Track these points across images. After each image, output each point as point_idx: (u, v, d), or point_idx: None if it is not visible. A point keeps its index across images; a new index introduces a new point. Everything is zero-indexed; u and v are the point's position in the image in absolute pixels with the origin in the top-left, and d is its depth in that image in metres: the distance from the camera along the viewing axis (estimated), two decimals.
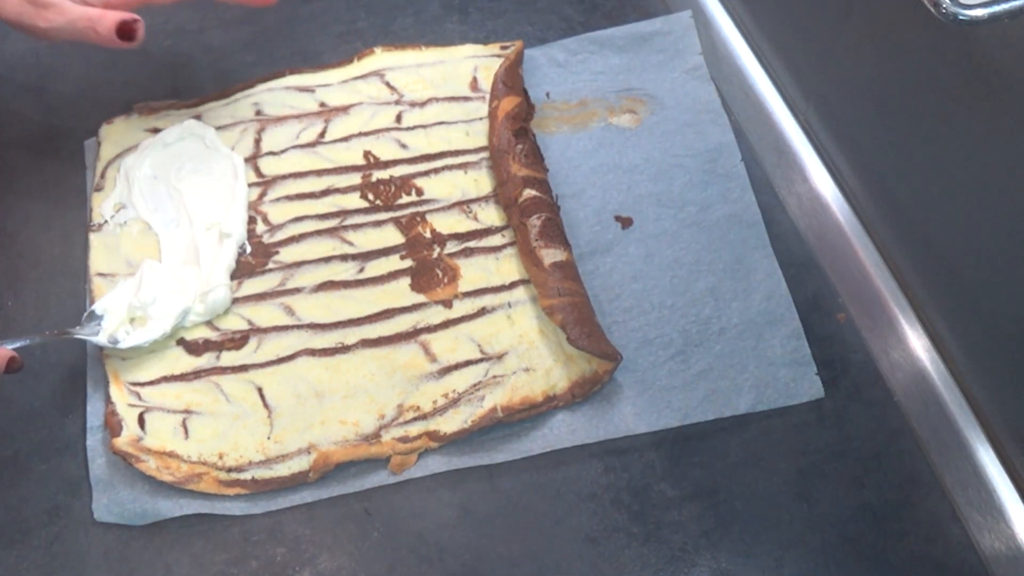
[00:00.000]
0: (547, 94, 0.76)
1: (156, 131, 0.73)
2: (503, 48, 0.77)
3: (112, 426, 0.60)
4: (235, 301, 0.66)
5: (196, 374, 0.63)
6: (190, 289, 0.65)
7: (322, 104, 0.74)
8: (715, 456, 0.61)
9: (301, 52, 0.79)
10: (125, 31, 0.61)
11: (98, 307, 0.63)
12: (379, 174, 0.71)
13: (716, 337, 0.64)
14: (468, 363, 0.63)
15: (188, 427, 0.61)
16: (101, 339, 0.62)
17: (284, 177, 0.71)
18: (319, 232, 0.69)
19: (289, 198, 0.70)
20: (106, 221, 0.69)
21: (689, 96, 0.75)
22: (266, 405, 0.62)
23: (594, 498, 0.59)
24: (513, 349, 0.64)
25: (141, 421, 0.61)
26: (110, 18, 0.62)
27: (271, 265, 0.68)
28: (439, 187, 0.71)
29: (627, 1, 0.81)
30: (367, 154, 0.72)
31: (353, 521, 0.59)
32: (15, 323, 0.66)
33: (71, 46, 0.77)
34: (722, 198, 0.70)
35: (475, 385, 0.62)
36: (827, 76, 0.68)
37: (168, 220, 0.69)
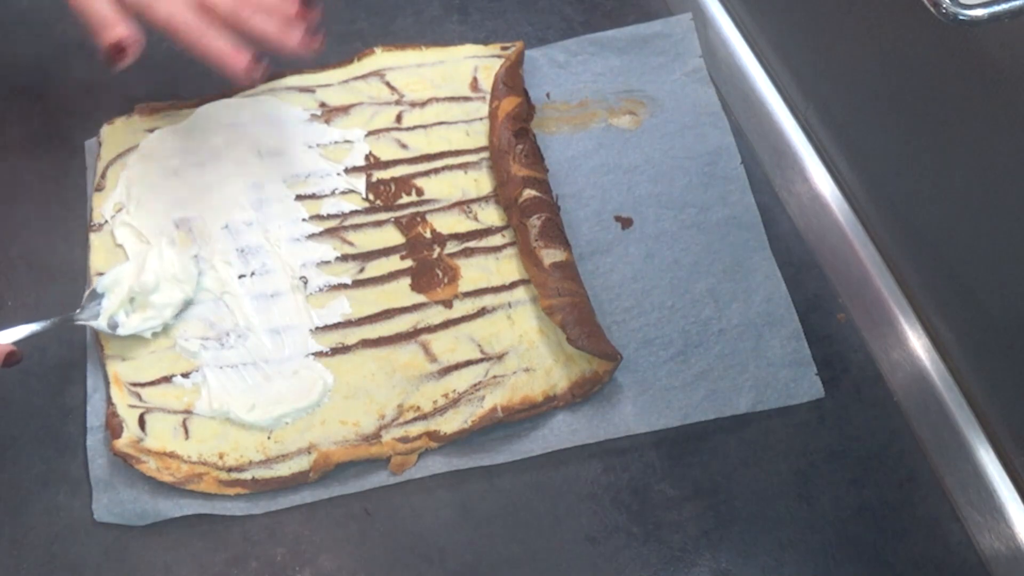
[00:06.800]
0: (547, 95, 0.76)
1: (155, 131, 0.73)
2: (504, 48, 0.77)
3: (113, 427, 0.60)
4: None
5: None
6: (192, 279, 0.65)
7: (322, 104, 0.74)
8: (715, 456, 0.61)
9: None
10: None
11: (100, 285, 0.63)
12: (379, 174, 0.71)
13: (716, 338, 0.64)
14: (468, 363, 0.63)
15: (188, 427, 0.61)
16: (101, 323, 0.62)
17: None
18: (319, 232, 0.69)
19: None
20: (106, 221, 0.69)
21: (689, 99, 0.75)
22: None
23: (594, 498, 0.59)
24: (513, 349, 0.64)
25: (142, 422, 0.61)
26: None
27: None
28: (439, 187, 0.71)
29: (627, 1, 0.81)
30: (367, 154, 0.72)
31: (353, 521, 0.59)
32: (15, 323, 0.66)
33: (71, 47, 0.77)
34: (722, 200, 0.70)
35: (475, 385, 0.62)
36: (827, 76, 0.68)
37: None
